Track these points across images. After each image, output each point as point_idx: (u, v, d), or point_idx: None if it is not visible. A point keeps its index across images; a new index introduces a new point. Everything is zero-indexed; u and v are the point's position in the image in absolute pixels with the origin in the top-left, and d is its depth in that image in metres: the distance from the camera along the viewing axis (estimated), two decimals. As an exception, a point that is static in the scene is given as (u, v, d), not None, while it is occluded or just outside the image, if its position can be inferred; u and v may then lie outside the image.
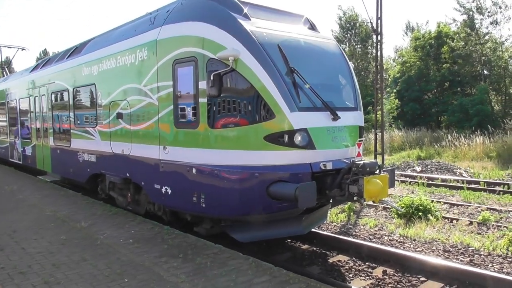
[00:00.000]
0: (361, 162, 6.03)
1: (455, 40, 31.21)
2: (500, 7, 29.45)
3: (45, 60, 14.84)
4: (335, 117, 6.45)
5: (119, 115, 8.70)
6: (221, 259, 5.57)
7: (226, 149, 6.36)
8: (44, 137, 13.37)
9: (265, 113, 6.11)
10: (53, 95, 12.40)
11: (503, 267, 6.73)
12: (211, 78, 6.21)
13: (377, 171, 6.28)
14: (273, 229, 6.91)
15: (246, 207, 6.26)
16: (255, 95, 6.12)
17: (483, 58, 29.83)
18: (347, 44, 39.73)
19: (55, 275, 5.05)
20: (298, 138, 6.07)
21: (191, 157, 6.80)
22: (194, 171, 6.71)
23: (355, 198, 6.08)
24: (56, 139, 12.32)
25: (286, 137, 6.03)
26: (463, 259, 7.15)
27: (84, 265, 5.36)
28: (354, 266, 6.79)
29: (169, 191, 7.28)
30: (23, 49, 26.71)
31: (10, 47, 26.88)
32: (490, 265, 6.84)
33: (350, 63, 7.74)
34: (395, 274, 6.45)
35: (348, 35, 39.99)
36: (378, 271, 6.56)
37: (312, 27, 7.69)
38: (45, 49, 72.64)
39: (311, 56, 6.94)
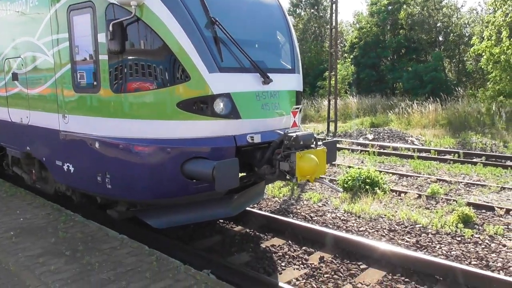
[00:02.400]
0: (294, 134, 5.02)
1: (411, 6, 30.66)
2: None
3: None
4: (266, 80, 5.35)
5: (15, 76, 7.19)
6: (117, 257, 4.48)
7: (131, 118, 5.15)
8: None
9: (177, 74, 4.92)
10: None
11: (451, 248, 6.10)
12: (110, 28, 4.90)
13: (313, 145, 5.31)
14: (195, 211, 5.86)
15: (157, 189, 5.16)
16: (165, 51, 4.90)
17: (439, 24, 29.55)
18: (303, 7, 38.34)
19: None
20: (219, 105, 4.95)
21: (93, 128, 5.55)
22: (97, 144, 5.49)
23: (287, 177, 5.10)
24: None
25: (203, 104, 4.91)
26: (409, 239, 6.49)
27: None
28: (289, 252, 5.93)
29: (72, 169, 6.03)
30: None
31: None
32: (438, 246, 6.20)
33: (290, 18, 6.58)
34: (333, 260, 5.66)
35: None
36: (315, 258, 5.74)
37: (245, -29, 6.42)
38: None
39: (239, 7, 5.73)
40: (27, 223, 5.61)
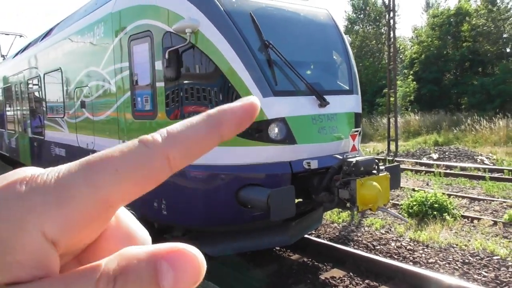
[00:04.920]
0: (354, 160, 4.71)
1: (474, 18, 29.07)
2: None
3: (27, 44, 13.83)
4: (322, 103, 5.13)
5: (83, 104, 7.55)
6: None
7: (187, 144, 5.12)
8: (24, 127, 12.43)
9: (232, 99, 4.83)
10: (29, 82, 11.39)
11: (537, 285, 5.39)
12: (166, 56, 4.97)
13: (375, 170, 4.95)
14: (251, 239, 5.68)
15: (212, 216, 5.06)
16: (219, 76, 4.86)
17: (505, 35, 27.70)
18: (360, 25, 37.74)
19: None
20: (273, 130, 4.80)
21: (150, 154, 5.59)
22: (153, 171, 5.51)
23: (347, 205, 4.78)
24: (33, 130, 11.34)
25: (258, 129, 4.77)
26: (486, 273, 5.83)
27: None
28: (350, 286, 5.54)
29: (130, 194, 6.11)
30: (20, 36, 25.81)
31: (8, 34, 25.95)
32: (521, 282, 5.51)
33: (346, 37, 6.34)
34: (400, 296, 5.19)
35: (362, 15, 37.97)
36: (379, 293, 5.30)
37: (300, -7, 6.31)
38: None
39: (294, 28, 5.60)
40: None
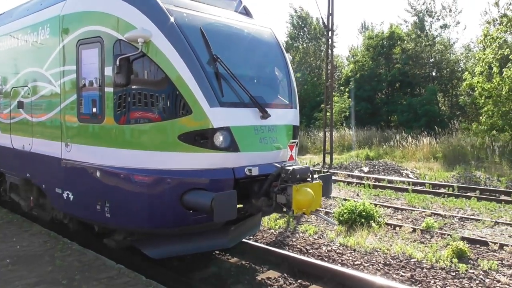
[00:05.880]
0: (291, 168, 5.17)
1: (405, 42, 31.55)
2: (450, 10, 30.09)
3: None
4: (264, 115, 5.56)
5: (20, 104, 7.36)
6: (114, 287, 4.52)
7: (134, 148, 5.30)
8: None
9: (180, 108, 5.12)
10: None
11: (446, 283, 6.14)
12: (117, 63, 5.13)
13: (310, 178, 5.45)
14: (193, 242, 5.92)
15: (156, 219, 5.24)
16: (169, 85, 5.11)
17: (432, 60, 30.36)
18: (300, 42, 39.33)
19: None
20: (218, 138, 5.12)
21: (95, 156, 5.68)
22: (98, 173, 5.60)
23: (283, 209, 5.21)
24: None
25: (204, 137, 5.07)
26: (404, 273, 6.52)
27: None
28: (284, 285, 5.95)
29: (71, 197, 6.11)
30: None
31: None
32: (432, 281, 6.24)
33: (287, 55, 6.86)
34: (329, 294, 5.69)
35: (301, 33, 39.62)
36: (310, 291, 5.77)
37: (246, 12, 6.75)
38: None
39: (240, 44, 6.01)
40: (23, 251, 5.64)
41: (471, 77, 21.22)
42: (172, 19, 5.25)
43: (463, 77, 23.39)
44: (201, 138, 5.08)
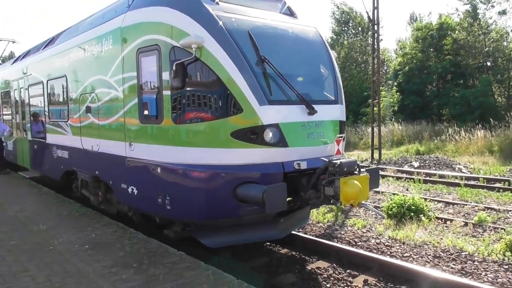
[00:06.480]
0: (338, 161, 5.41)
1: (456, 32, 30.33)
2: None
3: (26, 52, 14.30)
4: (311, 111, 5.83)
5: (88, 109, 8.12)
6: (178, 270, 4.99)
7: (190, 146, 5.76)
8: (23, 131, 12.87)
9: (231, 107, 5.50)
10: (30, 88, 11.88)
11: (497, 276, 6.12)
12: (174, 68, 5.60)
13: (357, 171, 5.66)
14: (245, 233, 6.32)
15: (212, 210, 5.67)
16: (221, 87, 5.51)
17: (486, 49, 28.96)
18: (345, 37, 38.88)
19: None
20: (268, 135, 5.46)
21: (156, 154, 6.21)
22: (158, 170, 6.13)
23: (331, 201, 5.46)
24: (34, 133, 11.80)
25: (254, 134, 5.43)
26: (454, 266, 6.55)
27: (22, 277, 4.80)
28: (334, 274, 6.20)
29: (135, 191, 6.71)
30: (13, 42, 26.03)
31: (0, 40, 26.17)
32: (484, 273, 6.23)
33: (332, 52, 7.08)
34: (377, 284, 5.86)
35: (346, 28, 39.17)
36: (359, 280, 5.97)
37: (291, 13, 7.04)
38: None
39: (286, 45, 6.30)
40: (98, 239, 6.30)
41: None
42: (222, 25, 5.65)
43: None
44: (252, 135, 5.44)
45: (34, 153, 11.92)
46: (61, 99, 9.72)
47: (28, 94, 12.04)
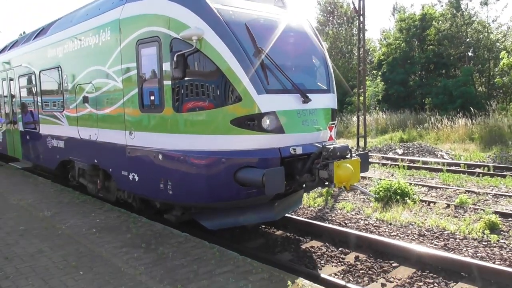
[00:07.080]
0: (332, 146, 5.79)
1: (440, 22, 30.96)
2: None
3: (13, 42, 14.22)
4: (306, 100, 6.19)
5: (85, 99, 8.31)
6: (184, 249, 5.34)
7: (192, 133, 6.07)
8: (14, 123, 12.90)
9: (231, 96, 5.81)
10: (20, 79, 11.90)
11: (477, 251, 6.63)
12: (175, 59, 5.87)
13: (348, 155, 6.06)
14: (243, 215, 6.69)
15: (213, 194, 6.01)
16: (221, 77, 5.81)
17: (468, 39, 29.70)
18: (330, 27, 39.23)
19: (5, 269, 4.76)
20: (266, 122, 5.80)
21: (157, 142, 6.50)
22: (160, 156, 6.42)
23: (325, 183, 5.86)
24: (25, 124, 11.87)
25: (253, 121, 5.76)
26: (437, 243, 7.05)
27: (39, 258, 5.09)
28: (327, 252, 6.63)
29: (136, 178, 6.99)
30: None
31: (-17, 30, 25.67)
32: (465, 249, 6.74)
33: (324, 43, 7.44)
34: (367, 259, 6.31)
35: (331, 17, 39.51)
36: (351, 257, 6.41)
37: (284, 5, 7.34)
38: (24, 32, 70.16)
39: (281, 36, 6.60)
40: (104, 223, 6.59)
41: (508, 56, 20.84)
42: (221, 17, 5.93)
43: (500, 57, 22.94)
44: (251, 122, 5.77)
45: (26, 143, 12.00)
46: (55, 90, 9.84)
47: (19, 85, 12.04)
